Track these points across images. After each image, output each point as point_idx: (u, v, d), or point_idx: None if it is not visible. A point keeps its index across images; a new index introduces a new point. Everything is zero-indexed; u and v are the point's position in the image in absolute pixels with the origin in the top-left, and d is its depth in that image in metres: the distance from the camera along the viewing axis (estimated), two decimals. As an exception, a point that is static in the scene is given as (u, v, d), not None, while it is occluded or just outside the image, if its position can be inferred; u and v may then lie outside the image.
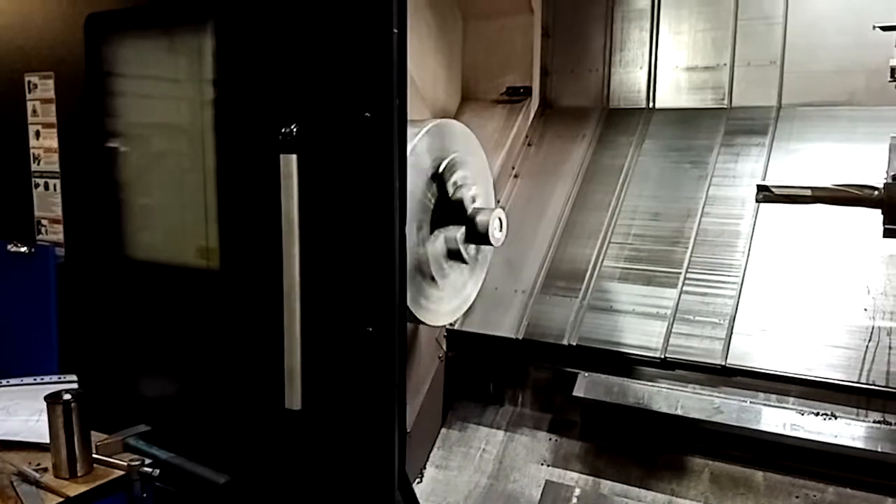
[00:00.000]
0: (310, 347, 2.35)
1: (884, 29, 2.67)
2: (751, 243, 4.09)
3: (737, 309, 3.88)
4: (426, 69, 5.21)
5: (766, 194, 2.90)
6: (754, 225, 4.14)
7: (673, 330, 3.95)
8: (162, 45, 2.78)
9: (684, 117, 4.92)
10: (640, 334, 4.01)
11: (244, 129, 2.50)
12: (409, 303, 3.26)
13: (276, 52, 2.40)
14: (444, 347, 4.50)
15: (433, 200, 3.48)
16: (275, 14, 2.39)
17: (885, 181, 2.56)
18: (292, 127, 2.30)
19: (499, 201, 4.99)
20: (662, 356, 3.88)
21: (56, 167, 3.16)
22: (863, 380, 3.43)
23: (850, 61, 4.32)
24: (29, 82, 3.20)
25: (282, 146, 2.30)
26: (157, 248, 2.89)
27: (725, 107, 4.81)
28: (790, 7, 4.55)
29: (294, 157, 2.28)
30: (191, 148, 2.68)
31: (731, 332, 3.80)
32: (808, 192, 2.81)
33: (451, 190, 3.54)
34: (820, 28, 4.46)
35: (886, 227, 2.70)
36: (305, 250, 2.32)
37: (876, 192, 2.62)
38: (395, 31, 2.20)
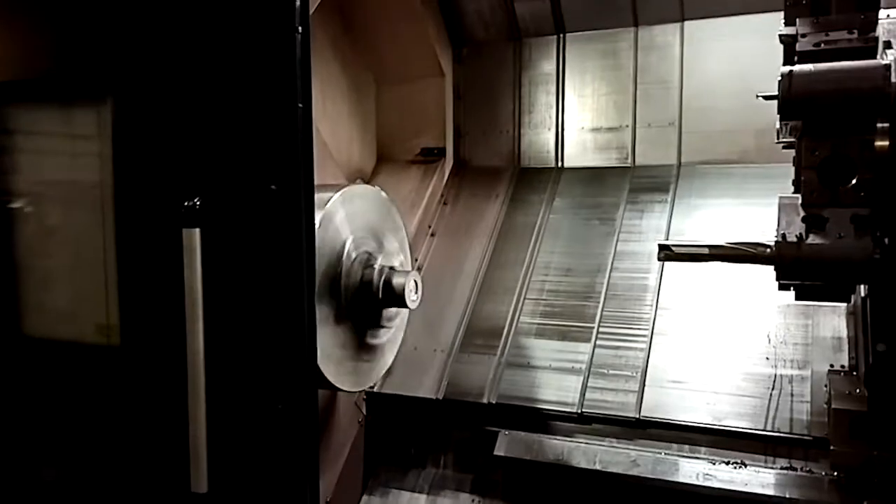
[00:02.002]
0: (216, 427, 2.27)
1: (766, 98, 2.86)
2: (658, 296, 4.24)
3: (648, 361, 3.99)
4: (341, 132, 5.26)
5: (667, 253, 3.02)
6: (660, 279, 4.30)
7: (588, 384, 4.02)
8: (59, 118, 2.71)
9: (591, 176, 5.12)
10: (557, 389, 4.07)
11: (145, 203, 2.44)
12: (324, 370, 3.21)
13: (178, 126, 2.38)
14: (364, 411, 4.43)
15: (348, 264, 3.46)
16: (177, 88, 2.37)
17: (775, 240, 2.71)
18: (195, 200, 2.27)
19: (416, 260, 5.02)
20: (579, 411, 3.93)
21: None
22: (768, 427, 3.57)
23: (740, 122, 4.61)
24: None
25: (184, 220, 2.26)
26: (53, 324, 2.76)
27: (629, 165, 5.04)
28: (685, 73, 4.85)
29: (197, 230, 2.24)
30: (89, 222, 2.60)
31: (644, 385, 3.90)
32: (706, 251, 2.94)
33: (365, 254, 3.54)
34: (712, 92, 4.76)
35: (780, 282, 2.85)
36: (210, 326, 2.26)
37: (768, 250, 2.77)
38: (300, 105, 2.22)
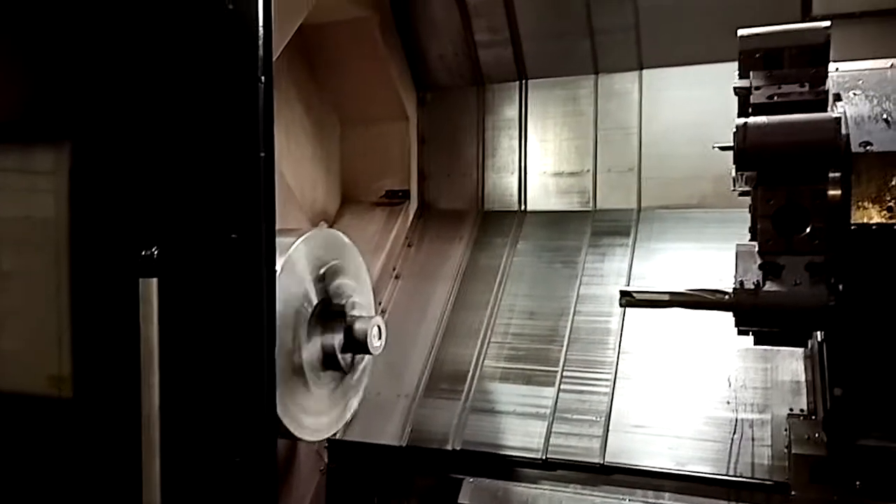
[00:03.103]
0: (172, 482, 2.20)
1: (722, 149, 2.94)
2: (621, 340, 4.26)
3: (611, 406, 3.99)
4: (305, 174, 5.24)
5: (628, 300, 3.06)
6: (623, 322, 4.34)
7: (553, 429, 4.00)
8: (16, 161, 2.65)
9: (554, 219, 5.17)
10: (521, 435, 4.04)
11: (102, 251, 2.39)
12: (285, 419, 3.14)
13: (138, 173, 2.34)
14: (326, 459, 4.34)
15: (310, 310, 3.42)
16: (137, 135, 2.34)
17: (733, 287, 2.76)
18: (153, 249, 2.23)
19: (380, 303, 4.99)
20: (544, 457, 3.90)
21: None
22: (731, 472, 3.58)
23: (698, 168, 4.72)
24: None
25: (141, 269, 2.21)
26: (2, 376, 2.65)
27: (591, 210, 5.11)
28: (644, 119, 4.97)
29: (154, 280, 2.19)
30: (44, 269, 2.53)
31: (608, 430, 3.89)
32: (667, 298, 2.98)
33: (327, 300, 3.50)
34: (671, 138, 4.88)
35: (738, 329, 2.89)
36: (167, 378, 2.20)
37: (727, 297, 2.81)
38: (262, 153, 2.21)
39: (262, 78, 2.20)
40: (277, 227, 2.33)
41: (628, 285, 4.41)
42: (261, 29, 2.19)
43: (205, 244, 2.25)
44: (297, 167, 5.12)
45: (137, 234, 2.29)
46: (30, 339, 2.62)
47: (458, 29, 5.19)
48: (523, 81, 5.32)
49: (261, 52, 2.20)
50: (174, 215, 2.29)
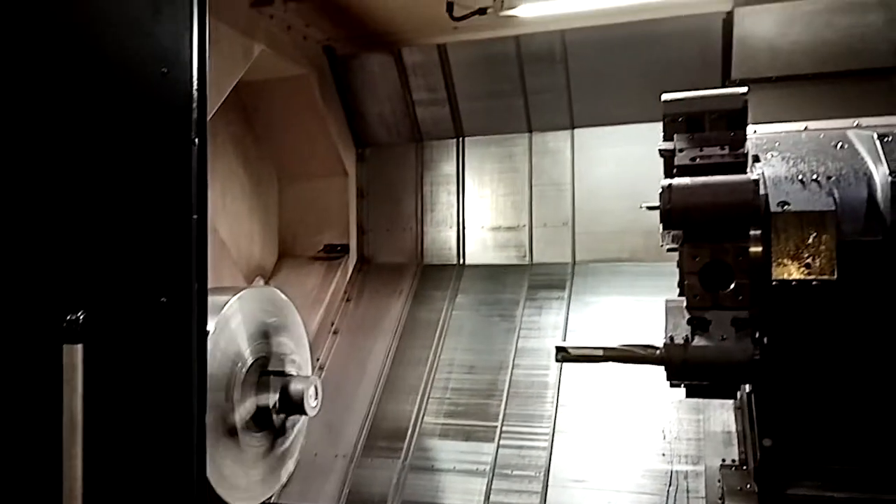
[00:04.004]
0: (93, 560, 2.08)
1: (649, 208, 3.05)
2: (558, 393, 4.30)
3: (550, 460, 4.00)
4: (241, 229, 5.19)
5: (564, 355, 3.09)
6: (560, 375, 4.38)
7: (493, 486, 3.98)
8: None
9: (492, 273, 5.23)
10: (461, 493, 4.00)
11: (24, 315, 2.29)
12: (215, 486, 3.03)
13: (64, 234, 2.27)
14: (260, 524, 4.18)
15: (245, 370, 3.34)
16: (65, 194, 2.28)
17: (664, 342, 2.83)
18: (79, 314, 2.15)
19: (318, 359, 4.91)
20: (484, 516, 3.87)
21: None
22: (667, 524, 3.62)
23: (628, 223, 4.87)
24: None
25: (66, 335, 2.13)
26: None
27: (527, 263, 5.19)
28: (576, 176, 5.12)
29: (79, 347, 2.12)
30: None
31: (547, 485, 3.89)
32: (601, 353, 3.03)
33: (262, 360, 3.43)
34: (602, 194, 5.03)
35: (670, 382, 2.96)
36: (91, 447, 2.11)
37: (658, 352, 2.88)
38: (195, 216, 2.18)
39: (196, 140, 2.19)
40: (211, 285, 2.29)
41: (564, 338, 4.47)
42: (195, 92, 2.19)
43: (133, 308, 2.19)
44: (234, 222, 5.06)
45: (62, 297, 2.21)
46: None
47: (396, 88, 5.29)
48: (460, 138, 5.43)
49: (195, 114, 2.19)
50: (102, 278, 2.23)
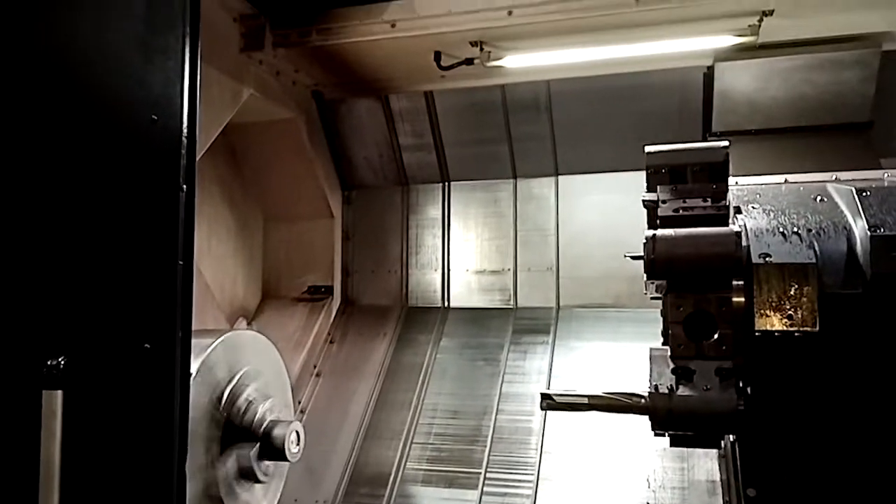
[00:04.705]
0: None
1: (633, 258, 3.07)
2: (542, 440, 4.27)
3: (534, 509, 3.96)
4: (225, 271, 5.16)
5: (549, 403, 3.08)
6: (544, 421, 4.35)
7: (477, 535, 3.92)
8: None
9: (476, 316, 5.24)
10: (445, 542, 3.94)
11: (2, 359, 2.25)
12: (194, 535, 2.96)
13: (45, 278, 2.25)
14: (237, 574, 4.07)
15: (225, 416, 3.29)
16: (48, 238, 2.27)
17: (648, 391, 2.83)
18: (59, 359, 2.12)
19: (300, 402, 4.85)
20: (467, 566, 3.80)
21: None
22: (654, 577, 3.58)
23: (612, 270, 4.91)
24: None
25: (45, 381, 2.09)
26: None
27: (512, 307, 5.20)
28: (560, 221, 5.18)
29: (59, 393, 2.08)
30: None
31: (532, 534, 3.84)
32: (586, 401, 3.03)
33: (243, 404, 3.38)
34: (586, 240, 5.08)
35: (654, 431, 2.95)
36: (68, 498, 2.06)
37: (643, 401, 2.87)
38: (181, 262, 2.17)
39: (184, 186, 2.19)
40: (193, 327, 2.27)
41: (549, 384, 4.47)
42: (185, 139, 2.20)
43: (116, 354, 2.16)
44: (218, 264, 5.04)
45: (42, 342, 2.18)
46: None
47: (383, 133, 5.36)
48: (446, 183, 5.48)
49: (184, 161, 2.20)
50: (84, 323, 2.20)
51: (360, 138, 5.44)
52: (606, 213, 4.96)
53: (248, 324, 5.28)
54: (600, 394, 3.02)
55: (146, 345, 2.14)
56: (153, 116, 2.20)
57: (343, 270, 5.66)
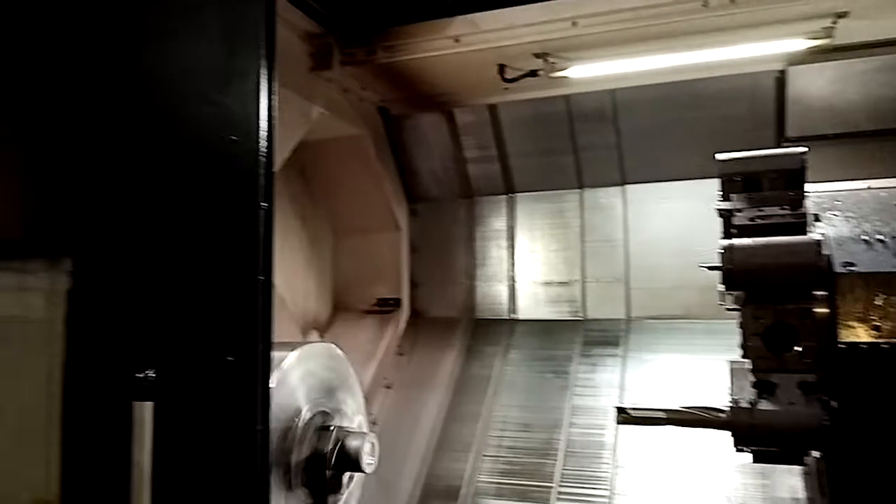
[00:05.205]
0: None
1: (709, 269, 3.00)
2: (616, 454, 4.20)
3: (609, 525, 3.89)
4: (297, 283, 5.29)
5: (624, 417, 3.03)
6: (617, 435, 4.28)
7: (550, 550, 3.88)
8: (10, 281, 2.67)
9: (545, 328, 5.20)
10: (517, 556, 3.91)
11: (97, 372, 2.37)
12: (272, 544, 3.03)
13: (137, 294, 2.36)
14: (313, 583, 4.14)
15: (302, 429, 3.36)
16: (138, 256, 2.37)
17: (730, 406, 2.75)
18: (149, 372, 2.22)
19: (371, 414, 4.91)
20: (540, 583, 3.77)
21: None
22: None
23: (684, 279, 4.81)
24: None
25: (136, 392, 2.19)
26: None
27: (581, 318, 5.15)
28: (629, 232, 5.10)
29: (150, 404, 2.17)
30: (35, 390, 2.50)
31: (606, 550, 3.78)
32: (663, 416, 2.97)
33: (321, 415, 3.45)
34: (656, 250, 5.00)
35: (736, 447, 2.86)
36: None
37: (723, 415, 2.80)
38: (261, 277, 2.24)
39: (264, 204, 2.27)
40: (271, 341, 2.34)
41: (621, 398, 4.39)
42: (263, 158, 2.28)
43: (201, 367, 2.24)
44: (291, 277, 5.17)
45: (134, 355, 2.28)
46: (18, 462, 2.55)
47: (448, 146, 5.40)
48: (511, 194, 5.48)
49: (263, 179, 2.27)
50: (171, 338, 2.30)
51: (425, 152, 5.50)
52: (676, 221, 4.87)
53: (321, 336, 5.38)
54: (678, 408, 2.96)
55: (229, 357, 2.21)
56: (233, 137, 2.28)
57: (411, 282, 5.71)
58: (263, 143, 2.31)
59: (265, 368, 2.28)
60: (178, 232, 2.38)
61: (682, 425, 2.95)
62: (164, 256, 2.40)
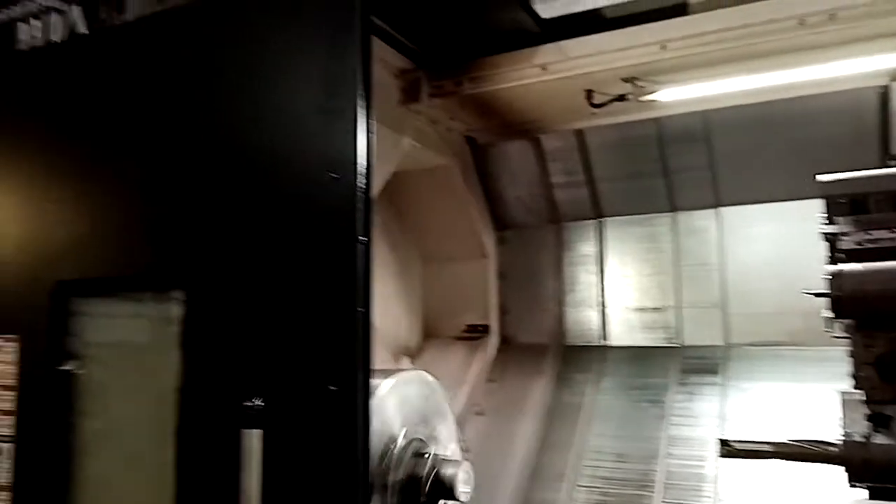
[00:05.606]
0: None
1: (816, 295, 2.87)
2: (717, 488, 4.05)
3: (712, 562, 3.75)
4: (388, 311, 5.39)
5: (728, 449, 2.93)
6: (718, 467, 4.13)
7: (650, 587, 3.76)
8: (129, 312, 2.84)
9: (638, 355, 5.10)
10: None
11: (208, 401, 2.49)
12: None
13: (245, 326, 2.47)
14: None
15: (398, 455, 3.41)
16: (246, 290, 2.50)
17: (842, 439, 2.61)
18: (257, 401, 2.32)
19: (464, 441, 4.92)
20: None
21: (9, 431, 3.05)
22: None
23: (786, 304, 4.61)
24: (-9, 345, 3.18)
25: (245, 420, 2.29)
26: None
27: (677, 345, 5.01)
28: (726, 255, 4.95)
29: (258, 432, 2.27)
30: (151, 418, 2.65)
31: (710, 588, 3.64)
32: (769, 448, 2.85)
33: (416, 443, 3.49)
34: (754, 274, 4.82)
35: (851, 483, 2.71)
36: (265, 530, 2.23)
37: (836, 450, 2.66)
38: (361, 309, 2.31)
39: (363, 238, 2.34)
40: (368, 370, 2.40)
41: (722, 428, 4.24)
42: (361, 194, 2.36)
43: (305, 396, 2.33)
44: (382, 304, 5.27)
45: (242, 385, 2.39)
46: (135, 487, 2.70)
47: (535, 172, 5.42)
48: (600, 219, 5.43)
49: (361, 214, 2.35)
50: (277, 368, 2.39)
51: (512, 179, 5.53)
52: (775, 244, 4.70)
53: (412, 362, 5.45)
54: (786, 441, 2.84)
55: (332, 387, 2.28)
56: (333, 175, 2.38)
57: (500, 309, 5.72)
58: (361, 179, 2.39)
59: (365, 397, 2.34)
60: (282, 266, 2.48)
61: (791, 459, 2.82)
62: (270, 290, 2.51)
